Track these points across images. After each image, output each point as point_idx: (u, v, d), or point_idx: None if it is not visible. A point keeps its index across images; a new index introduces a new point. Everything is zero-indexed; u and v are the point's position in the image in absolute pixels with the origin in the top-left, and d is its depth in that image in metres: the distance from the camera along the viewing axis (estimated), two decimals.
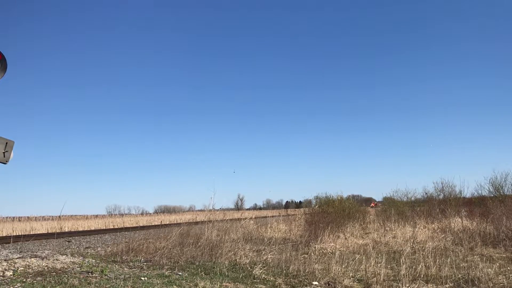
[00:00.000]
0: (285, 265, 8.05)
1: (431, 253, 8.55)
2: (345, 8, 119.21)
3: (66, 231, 23.95)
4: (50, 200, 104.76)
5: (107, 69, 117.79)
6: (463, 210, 17.13)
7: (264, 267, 7.75)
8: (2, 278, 5.74)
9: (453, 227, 14.53)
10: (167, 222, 23.29)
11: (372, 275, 6.97)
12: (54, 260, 7.48)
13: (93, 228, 26.42)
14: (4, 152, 5.28)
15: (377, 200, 58.17)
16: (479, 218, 15.38)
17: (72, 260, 7.69)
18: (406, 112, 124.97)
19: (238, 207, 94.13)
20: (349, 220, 16.41)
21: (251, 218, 17.34)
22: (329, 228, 13.13)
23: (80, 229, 26.16)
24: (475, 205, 18.71)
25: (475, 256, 9.24)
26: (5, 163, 5.36)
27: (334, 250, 10.53)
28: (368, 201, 57.15)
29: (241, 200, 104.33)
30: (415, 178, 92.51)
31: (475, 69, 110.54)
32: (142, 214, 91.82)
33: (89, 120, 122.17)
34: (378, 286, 6.39)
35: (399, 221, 16.61)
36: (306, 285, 6.55)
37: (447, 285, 6.49)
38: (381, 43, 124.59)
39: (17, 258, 7.35)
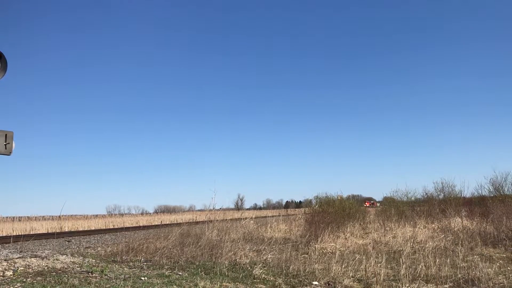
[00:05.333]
0: (285, 265, 8.05)
1: (431, 253, 8.54)
2: (345, 8, 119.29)
3: (66, 231, 23.95)
4: (50, 200, 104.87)
5: (107, 69, 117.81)
6: (463, 210, 17.13)
7: (264, 267, 7.75)
8: (2, 278, 5.74)
9: (453, 227, 14.53)
10: (167, 222, 23.28)
11: (372, 275, 6.97)
12: (54, 260, 7.48)
13: (93, 228, 26.42)
14: (5, 144, 5.27)
15: (377, 200, 57.90)
16: (479, 218, 15.39)
17: (72, 260, 7.69)
18: (406, 112, 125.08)
19: (238, 207, 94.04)
20: (349, 220, 16.41)
21: (251, 218, 17.33)
22: (329, 228, 13.14)
23: (80, 229, 26.16)
24: (475, 205, 18.71)
25: (475, 256, 9.24)
26: (9, 155, 5.35)
27: (334, 250, 10.53)
28: (368, 200, 56.61)
29: (241, 200, 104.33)
30: (415, 178, 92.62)
31: (476, 69, 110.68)
32: (142, 214, 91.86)
33: (89, 119, 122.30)
34: (378, 286, 6.39)
35: (399, 221, 16.62)
36: (306, 285, 6.56)
37: (447, 285, 6.50)
38: (382, 43, 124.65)
39: (17, 258, 7.35)
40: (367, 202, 51.53)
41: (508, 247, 10.70)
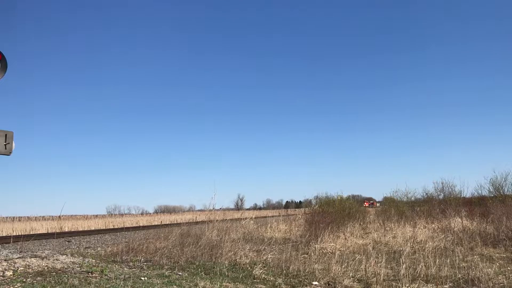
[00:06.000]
0: (285, 265, 8.04)
1: (431, 253, 8.54)
2: (345, 8, 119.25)
3: (66, 231, 23.93)
4: (50, 200, 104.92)
5: (107, 69, 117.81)
6: (463, 210, 17.12)
7: (264, 267, 7.75)
8: (2, 278, 5.73)
9: (453, 227, 14.52)
10: (167, 222, 23.27)
11: (372, 275, 6.97)
12: (54, 260, 7.47)
13: (93, 228, 26.39)
14: (5, 144, 5.28)
15: (377, 200, 57.76)
16: (479, 218, 15.38)
17: (72, 260, 7.69)
18: (406, 112, 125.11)
19: (238, 207, 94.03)
20: (349, 220, 16.40)
21: (251, 218, 17.32)
22: (329, 228, 13.13)
23: (80, 229, 26.13)
24: (475, 205, 18.70)
25: (475, 256, 9.24)
26: (8, 155, 5.36)
27: (334, 250, 10.52)
28: (367, 200, 56.08)
29: (241, 200, 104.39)
30: (415, 178, 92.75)
31: (475, 69, 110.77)
32: (142, 214, 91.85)
33: (89, 120, 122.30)
34: (378, 286, 6.39)
35: (399, 221, 16.62)
36: (306, 285, 6.56)
37: (447, 285, 6.50)
38: (381, 43, 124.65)
39: (17, 258, 7.34)
40: (366, 202, 51.22)
41: (508, 247, 10.70)
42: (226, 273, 7.17)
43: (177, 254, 9.00)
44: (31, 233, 21.09)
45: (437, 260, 7.81)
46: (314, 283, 6.67)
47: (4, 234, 20.53)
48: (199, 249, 9.48)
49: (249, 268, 7.79)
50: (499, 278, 6.85)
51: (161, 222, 25.88)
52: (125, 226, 26.74)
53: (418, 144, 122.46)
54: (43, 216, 52.13)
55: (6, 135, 5.34)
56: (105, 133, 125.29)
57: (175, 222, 20.64)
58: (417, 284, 6.36)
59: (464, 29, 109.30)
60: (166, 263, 8.11)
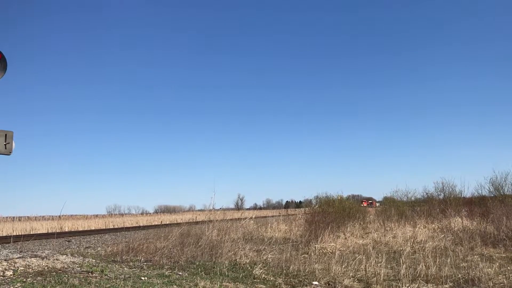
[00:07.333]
0: (285, 265, 8.05)
1: (431, 253, 8.54)
2: (345, 8, 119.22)
3: (66, 231, 23.94)
4: (50, 200, 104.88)
5: (108, 69, 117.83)
6: (463, 210, 17.12)
7: (264, 267, 7.75)
8: (2, 278, 5.73)
9: (453, 227, 14.53)
10: (167, 222, 23.23)
11: (372, 275, 6.97)
12: (54, 260, 7.47)
13: (93, 228, 26.39)
14: (5, 144, 5.28)
15: (377, 200, 57.60)
16: (479, 218, 15.39)
17: (72, 260, 7.68)
18: (406, 112, 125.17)
19: (238, 207, 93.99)
20: (349, 220, 16.40)
21: (251, 218, 17.31)
22: (329, 228, 13.12)
23: (80, 229, 26.13)
24: (475, 205, 18.69)
25: (475, 256, 9.24)
26: (8, 155, 5.36)
27: (334, 250, 10.52)
28: (365, 200, 55.28)
29: (241, 200, 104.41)
30: (415, 178, 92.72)
31: (475, 69, 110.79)
32: (142, 214, 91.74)
33: (90, 119, 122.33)
34: (378, 286, 6.39)
35: (399, 221, 16.62)
36: (306, 285, 6.56)
37: (447, 285, 6.49)
38: (381, 43, 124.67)
39: (17, 258, 7.34)
40: (365, 201, 50.85)
41: (508, 247, 10.70)
42: (226, 273, 7.17)
43: (177, 254, 9.00)
44: (31, 233, 21.09)
45: (437, 260, 7.80)
46: (314, 283, 6.67)
47: (4, 234, 20.53)
48: (199, 249, 9.48)
49: (249, 268, 7.78)
50: (499, 278, 6.85)
51: (161, 222, 25.83)
52: (125, 226, 26.74)
53: (418, 144, 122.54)
54: (43, 216, 52.08)
55: (6, 135, 5.34)
56: (105, 132, 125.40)
57: (175, 222, 20.60)
58: (417, 284, 6.36)
59: (464, 29, 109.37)
60: (166, 263, 8.11)
